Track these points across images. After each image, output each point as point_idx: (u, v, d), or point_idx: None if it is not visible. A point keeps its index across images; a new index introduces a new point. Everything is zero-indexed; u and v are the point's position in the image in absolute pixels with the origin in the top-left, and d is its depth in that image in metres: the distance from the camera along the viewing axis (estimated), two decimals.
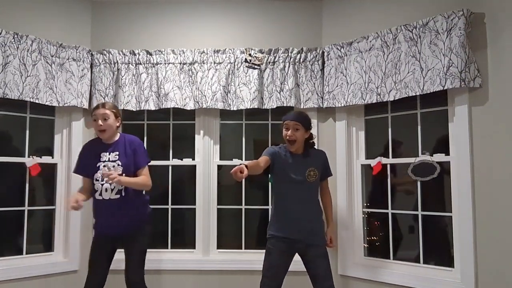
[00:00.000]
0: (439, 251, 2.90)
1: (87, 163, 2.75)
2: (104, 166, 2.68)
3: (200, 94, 3.32)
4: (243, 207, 3.48)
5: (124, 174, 2.66)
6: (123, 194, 2.68)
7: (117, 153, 2.73)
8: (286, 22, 3.46)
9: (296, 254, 2.73)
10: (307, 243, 2.67)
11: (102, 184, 2.67)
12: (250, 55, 3.34)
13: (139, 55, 3.38)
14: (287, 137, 2.69)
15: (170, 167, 3.55)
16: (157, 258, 3.39)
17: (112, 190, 2.67)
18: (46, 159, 3.30)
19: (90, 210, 3.39)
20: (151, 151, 3.55)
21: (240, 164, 2.34)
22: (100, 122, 2.70)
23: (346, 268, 3.18)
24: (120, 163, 2.70)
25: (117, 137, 2.80)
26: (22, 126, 3.25)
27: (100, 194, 2.69)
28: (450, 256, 2.78)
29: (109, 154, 2.72)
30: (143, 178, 2.74)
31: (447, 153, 2.81)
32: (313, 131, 3.34)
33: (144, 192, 2.87)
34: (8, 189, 3.22)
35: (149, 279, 3.33)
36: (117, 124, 2.79)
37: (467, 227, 2.61)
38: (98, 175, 2.69)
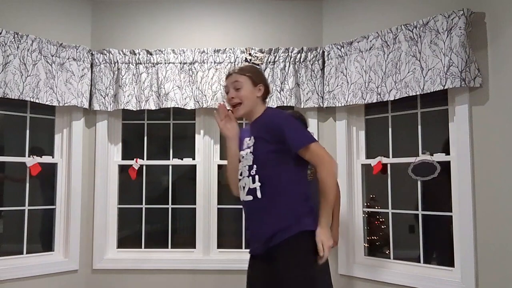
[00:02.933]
0: (439, 251, 2.91)
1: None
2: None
3: (201, 93, 3.32)
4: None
5: (255, 166, 1.89)
6: (257, 196, 1.89)
7: (254, 136, 1.95)
8: (286, 21, 3.46)
9: None
10: None
11: (240, 181, 1.97)
12: (250, 54, 3.34)
13: (139, 54, 3.38)
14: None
15: (170, 167, 3.55)
16: (157, 258, 3.39)
17: (244, 188, 1.95)
18: (46, 159, 3.30)
19: (90, 210, 3.40)
20: (151, 151, 3.56)
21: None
22: (231, 93, 1.97)
23: (346, 267, 3.18)
24: (251, 150, 1.93)
25: (259, 113, 1.99)
26: (22, 126, 3.25)
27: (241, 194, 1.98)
28: (450, 255, 2.78)
29: (249, 139, 1.97)
30: (323, 183, 1.84)
31: (448, 153, 2.81)
32: (313, 130, 3.35)
33: (296, 195, 1.92)
34: (8, 188, 3.23)
35: (149, 279, 3.34)
36: (258, 95, 1.99)
37: (467, 227, 2.61)
38: (239, 169, 1.98)
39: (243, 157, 1.98)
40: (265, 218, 1.89)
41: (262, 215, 1.89)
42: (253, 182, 1.90)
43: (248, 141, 1.98)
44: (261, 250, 1.91)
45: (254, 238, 1.95)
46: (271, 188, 1.87)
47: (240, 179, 1.98)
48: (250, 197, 1.91)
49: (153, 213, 3.55)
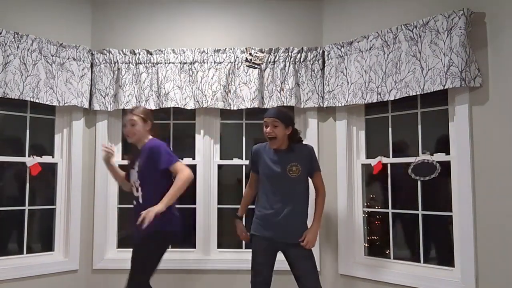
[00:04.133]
0: (440, 251, 2.90)
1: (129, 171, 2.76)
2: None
3: (201, 93, 3.32)
4: None
5: (139, 181, 2.64)
6: (140, 202, 2.65)
7: (140, 159, 2.67)
8: (287, 21, 3.46)
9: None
10: (286, 242, 2.63)
11: (132, 190, 2.72)
12: (250, 54, 3.34)
13: (139, 54, 3.38)
14: (267, 134, 2.63)
15: None
16: None
17: (135, 196, 2.70)
18: (46, 159, 3.30)
19: (90, 210, 3.40)
20: None
21: (236, 221, 2.80)
22: (128, 127, 2.68)
23: (346, 267, 3.18)
24: (137, 169, 2.66)
25: (146, 142, 2.71)
26: (22, 126, 3.25)
27: (136, 199, 2.70)
28: (450, 255, 2.78)
29: (138, 161, 2.68)
30: (176, 181, 2.54)
31: (448, 153, 2.81)
32: (313, 130, 3.34)
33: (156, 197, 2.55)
34: (9, 188, 3.22)
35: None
36: (147, 129, 2.73)
37: (467, 227, 2.61)
38: (132, 180, 2.71)
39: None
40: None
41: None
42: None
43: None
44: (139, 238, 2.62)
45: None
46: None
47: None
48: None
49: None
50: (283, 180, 2.62)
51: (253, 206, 2.80)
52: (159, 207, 2.45)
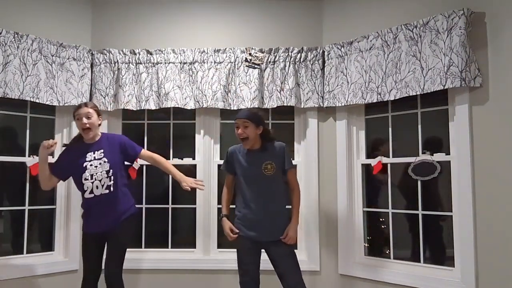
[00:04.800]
0: (440, 250, 2.90)
1: (66, 166, 2.78)
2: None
3: (201, 93, 3.32)
4: None
5: (111, 171, 2.73)
6: (111, 190, 2.72)
7: (102, 150, 2.76)
8: (287, 21, 3.46)
9: None
10: (267, 240, 2.66)
11: (93, 182, 2.71)
12: (250, 54, 3.34)
13: (139, 54, 3.38)
14: (238, 135, 2.67)
15: None
16: (158, 258, 3.40)
17: (102, 185, 2.71)
18: None
19: None
20: (152, 150, 3.55)
21: (222, 220, 2.75)
22: (84, 120, 2.73)
23: (346, 267, 3.18)
24: (106, 160, 2.74)
25: (99, 136, 2.83)
26: (22, 126, 3.25)
27: (91, 192, 2.71)
28: (450, 255, 2.78)
29: (94, 153, 2.75)
30: (161, 158, 2.88)
31: (448, 153, 2.81)
32: (313, 130, 3.34)
33: (127, 189, 2.83)
34: (9, 188, 3.22)
35: (149, 279, 3.34)
36: (99, 123, 2.83)
37: (467, 227, 2.61)
38: (86, 174, 2.71)
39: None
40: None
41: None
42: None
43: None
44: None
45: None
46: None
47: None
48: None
49: (153, 213, 3.55)
50: (259, 179, 2.67)
51: (233, 206, 2.83)
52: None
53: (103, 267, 2.73)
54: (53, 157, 3.11)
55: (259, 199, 2.66)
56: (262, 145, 2.72)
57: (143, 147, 2.94)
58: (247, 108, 2.83)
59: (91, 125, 2.75)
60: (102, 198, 2.71)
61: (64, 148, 2.88)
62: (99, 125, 2.83)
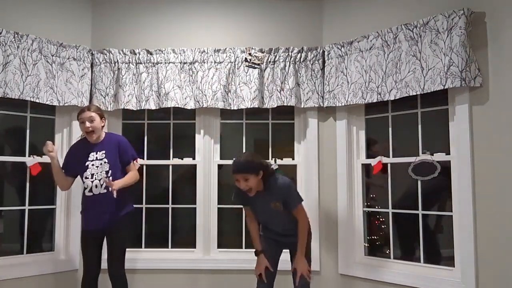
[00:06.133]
0: (440, 250, 2.91)
1: (74, 165, 2.90)
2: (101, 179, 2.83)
3: (201, 93, 3.32)
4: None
5: (110, 171, 2.83)
6: (109, 189, 2.77)
7: (104, 151, 2.87)
8: (287, 21, 3.46)
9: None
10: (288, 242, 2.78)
11: (92, 181, 2.82)
12: (250, 54, 3.34)
13: (139, 54, 3.38)
14: (242, 188, 2.61)
15: (170, 167, 3.55)
16: (158, 258, 3.40)
17: (101, 185, 2.82)
18: (46, 159, 3.29)
19: None
20: (152, 150, 3.56)
21: (258, 257, 2.75)
22: (87, 124, 2.84)
23: (346, 267, 3.18)
24: (106, 161, 2.85)
25: (102, 137, 2.94)
26: (22, 126, 3.25)
27: (90, 190, 2.82)
28: (450, 255, 2.78)
29: (96, 154, 2.87)
30: (131, 175, 2.91)
31: (448, 153, 2.81)
32: (313, 130, 3.34)
33: (126, 188, 2.86)
34: (9, 188, 3.23)
35: (150, 279, 3.34)
36: (102, 125, 2.93)
37: (467, 226, 2.60)
38: (87, 173, 2.83)
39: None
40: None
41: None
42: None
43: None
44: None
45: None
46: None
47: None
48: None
49: (153, 213, 3.55)
50: (270, 212, 2.72)
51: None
52: (118, 183, 2.78)
53: (103, 266, 2.76)
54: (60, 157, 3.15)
55: (277, 225, 2.77)
56: (265, 185, 2.65)
57: (142, 154, 3.10)
58: (242, 160, 2.60)
59: (94, 128, 2.86)
60: (100, 197, 2.81)
61: (69, 149, 3.03)
62: (103, 127, 2.93)
